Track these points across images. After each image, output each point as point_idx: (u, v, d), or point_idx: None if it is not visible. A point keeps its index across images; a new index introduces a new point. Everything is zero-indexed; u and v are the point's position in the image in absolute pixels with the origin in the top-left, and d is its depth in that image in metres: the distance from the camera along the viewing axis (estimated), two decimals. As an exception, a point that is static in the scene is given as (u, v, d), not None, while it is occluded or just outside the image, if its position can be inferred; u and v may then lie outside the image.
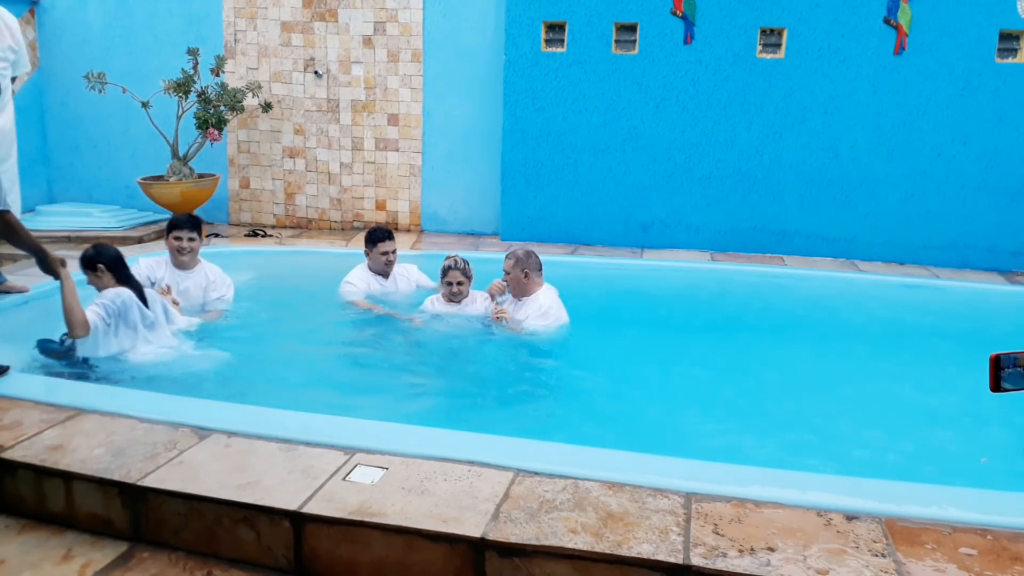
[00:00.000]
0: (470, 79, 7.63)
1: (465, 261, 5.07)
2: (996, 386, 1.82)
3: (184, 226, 4.96)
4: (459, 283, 4.97)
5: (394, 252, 5.42)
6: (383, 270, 5.40)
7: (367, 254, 5.39)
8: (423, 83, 7.73)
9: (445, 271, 5.02)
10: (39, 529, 2.93)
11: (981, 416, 3.98)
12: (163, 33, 8.00)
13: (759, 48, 6.96)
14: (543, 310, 4.82)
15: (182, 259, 4.95)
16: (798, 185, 7.13)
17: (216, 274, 5.14)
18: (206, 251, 5.21)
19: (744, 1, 6.86)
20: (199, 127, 7.26)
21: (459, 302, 5.06)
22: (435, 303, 5.16)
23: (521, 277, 4.84)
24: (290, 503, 2.68)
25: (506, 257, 4.94)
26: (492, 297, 5.02)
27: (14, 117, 5.51)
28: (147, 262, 5.05)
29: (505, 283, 4.97)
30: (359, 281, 5.37)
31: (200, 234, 5.01)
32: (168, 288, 4.78)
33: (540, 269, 4.92)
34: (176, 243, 4.95)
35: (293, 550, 2.68)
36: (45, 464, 2.93)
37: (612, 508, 2.65)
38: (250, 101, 7.70)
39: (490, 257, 6.49)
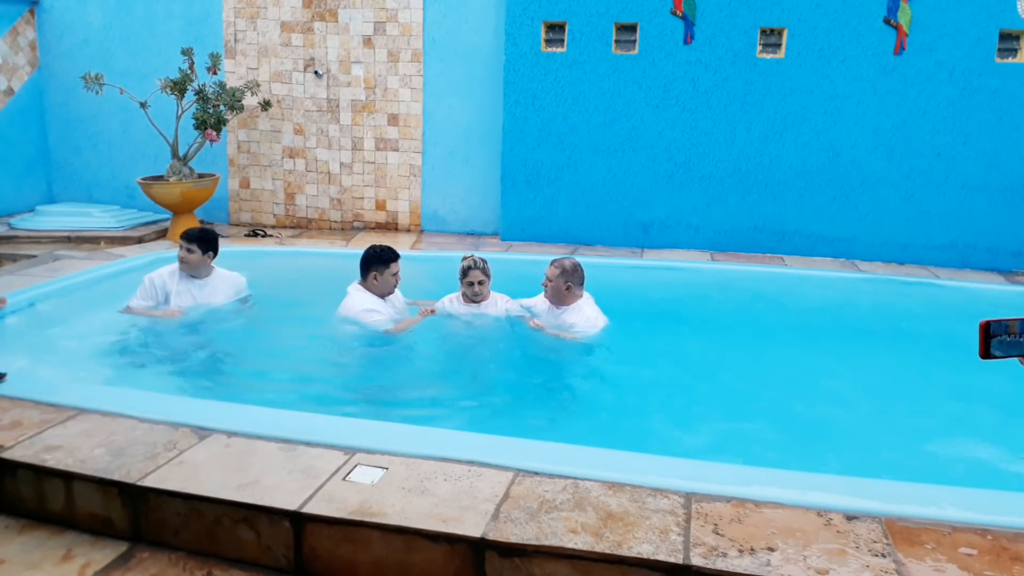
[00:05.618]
0: (470, 79, 7.63)
1: (484, 260, 4.95)
2: (985, 353, 1.81)
3: (184, 236, 5.11)
4: (480, 282, 4.90)
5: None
6: (389, 291, 4.95)
7: (375, 277, 4.84)
8: (423, 83, 7.73)
9: (465, 271, 4.90)
10: (39, 529, 2.93)
11: (981, 416, 3.98)
12: (163, 33, 8.00)
13: (759, 48, 6.96)
14: (591, 321, 4.80)
15: (183, 267, 5.07)
16: (798, 185, 7.13)
17: (231, 279, 5.26)
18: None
19: (744, 1, 6.86)
20: (197, 127, 7.27)
21: (479, 303, 4.99)
22: (453, 302, 5.08)
23: (562, 287, 4.80)
24: (290, 503, 2.68)
25: (551, 263, 4.86)
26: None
27: None
28: (161, 273, 5.12)
29: (536, 321, 4.96)
30: (379, 306, 4.89)
31: (203, 249, 5.03)
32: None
33: (583, 283, 4.87)
34: (178, 251, 5.13)
35: (293, 550, 2.68)
36: (45, 464, 2.94)
37: (612, 508, 2.65)
38: (249, 100, 7.70)
39: (491, 257, 6.48)
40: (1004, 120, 6.72)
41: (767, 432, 3.76)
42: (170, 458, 2.98)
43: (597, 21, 7.09)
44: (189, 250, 5.00)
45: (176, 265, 5.10)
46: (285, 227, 8.21)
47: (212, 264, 5.16)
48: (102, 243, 7.30)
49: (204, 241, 5.05)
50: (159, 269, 5.17)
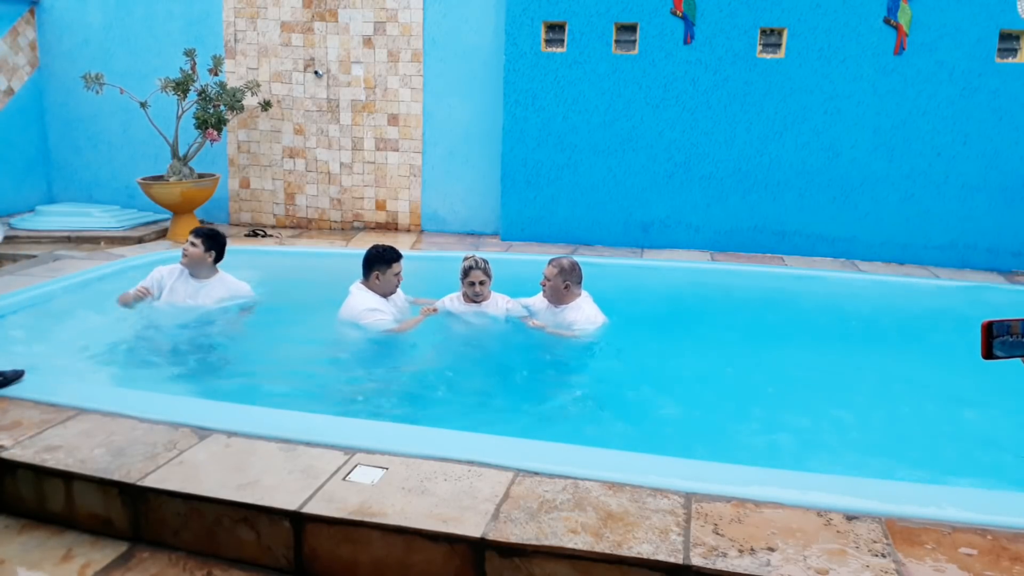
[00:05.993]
0: (470, 79, 7.63)
1: (485, 260, 4.97)
2: (988, 353, 1.81)
3: (193, 231, 5.15)
4: (481, 282, 4.92)
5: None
6: (391, 291, 4.95)
7: (377, 277, 4.84)
8: (423, 83, 7.73)
9: (466, 271, 4.92)
10: (39, 529, 2.93)
11: (981, 415, 3.98)
12: (163, 33, 8.00)
13: (759, 48, 6.96)
14: (591, 319, 4.83)
15: (183, 260, 5.08)
16: (798, 185, 7.13)
17: (232, 286, 5.22)
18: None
19: (744, 1, 6.86)
20: (198, 127, 7.27)
21: (480, 303, 5.00)
22: (454, 302, 5.09)
23: (561, 286, 4.83)
24: (290, 503, 2.68)
25: (549, 263, 4.89)
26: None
27: None
28: (163, 269, 5.16)
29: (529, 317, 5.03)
30: (382, 305, 4.88)
31: (206, 246, 5.04)
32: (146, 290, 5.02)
33: (581, 281, 4.90)
34: (183, 244, 5.16)
35: (293, 550, 2.68)
36: (45, 464, 2.94)
37: (612, 508, 2.65)
38: (249, 100, 7.70)
39: (491, 257, 6.48)
40: (1004, 120, 6.72)
41: (767, 432, 3.76)
42: (170, 458, 2.98)
43: (597, 21, 7.09)
44: (193, 243, 5.01)
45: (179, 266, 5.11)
46: (285, 227, 8.21)
47: (216, 267, 5.15)
48: (102, 243, 7.30)
49: (209, 239, 5.06)
50: (169, 265, 5.18)
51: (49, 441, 3.10)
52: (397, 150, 7.90)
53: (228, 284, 5.20)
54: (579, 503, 2.68)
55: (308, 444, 3.10)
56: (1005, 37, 6.62)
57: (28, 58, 8.20)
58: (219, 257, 5.13)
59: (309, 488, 2.77)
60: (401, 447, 3.06)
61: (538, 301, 5.06)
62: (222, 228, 8.00)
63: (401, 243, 6.73)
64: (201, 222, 7.77)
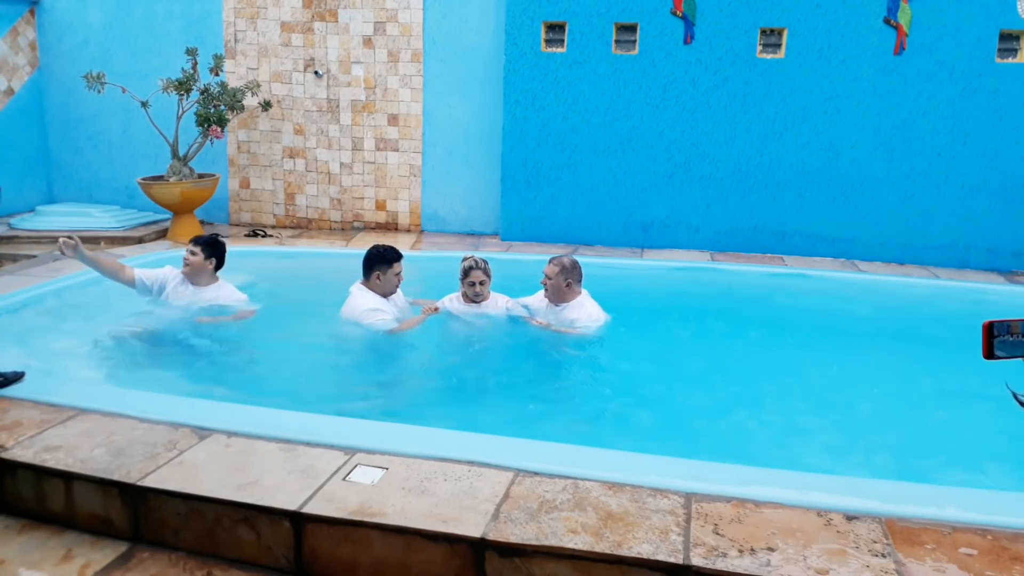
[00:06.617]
0: (470, 79, 7.63)
1: (485, 261, 4.99)
2: (989, 353, 1.81)
3: (192, 239, 5.15)
4: (481, 283, 4.93)
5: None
6: (391, 291, 4.94)
7: (377, 277, 4.84)
8: (423, 83, 7.73)
9: (466, 272, 4.93)
10: (39, 529, 2.93)
11: (982, 416, 3.98)
12: (163, 33, 8.00)
13: (759, 48, 6.96)
14: (593, 316, 4.86)
15: (184, 269, 5.06)
16: (798, 185, 7.13)
17: (230, 294, 5.16)
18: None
19: (744, 1, 6.86)
20: (200, 125, 7.26)
21: (480, 303, 5.01)
22: (454, 302, 5.09)
23: (562, 285, 4.85)
24: (290, 503, 2.68)
25: (550, 261, 4.91)
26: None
27: None
28: (173, 270, 5.16)
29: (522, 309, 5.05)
30: (383, 305, 4.88)
31: (206, 253, 5.02)
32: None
33: (581, 280, 4.93)
34: (184, 248, 5.15)
35: (293, 550, 2.68)
36: (45, 464, 2.94)
37: (612, 508, 2.65)
38: (249, 100, 7.70)
39: (491, 257, 6.48)
40: (1004, 120, 6.72)
41: (767, 432, 3.76)
42: (170, 458, 2.98)
43: (597, 21, 7.09)
44: (193, 252, 4.99)
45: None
46: (285, 227, 8.21)
47: (216, 275, 5.12)
48: (102, 243, 7.30)
49: (210, 246, 5.04)
50: (176, 269, 5.14)
51: (49, 441, 3.10)
52: (397, 150, 7.90)
53: (226, 292, 5.15)
54: (579, 503, 2.68)
55: (308, 444, 3.10)
56: (1005, 37, 6.62)
57: (28, 58, 8.20)
58: (219, 264, 5.11)
59: (309, 488, 2.77)
60: (401, 447, 3.06)
61: (538, 300, 5.07)
62: (222, 228, 8.02)
63: (401, 243, 6.73)
64: (201, 222, 7.77)
